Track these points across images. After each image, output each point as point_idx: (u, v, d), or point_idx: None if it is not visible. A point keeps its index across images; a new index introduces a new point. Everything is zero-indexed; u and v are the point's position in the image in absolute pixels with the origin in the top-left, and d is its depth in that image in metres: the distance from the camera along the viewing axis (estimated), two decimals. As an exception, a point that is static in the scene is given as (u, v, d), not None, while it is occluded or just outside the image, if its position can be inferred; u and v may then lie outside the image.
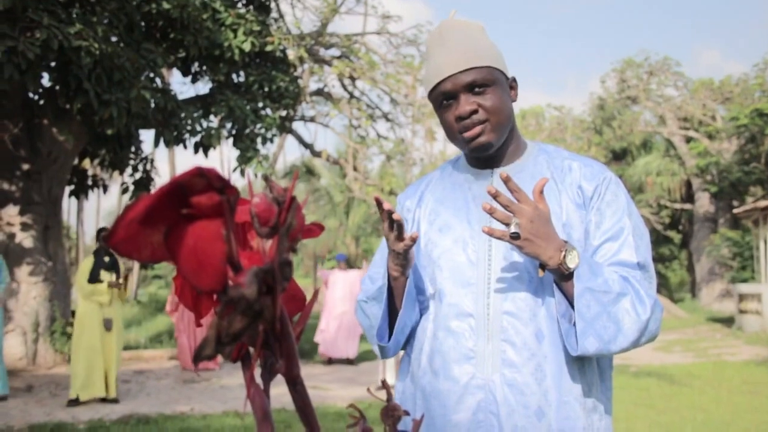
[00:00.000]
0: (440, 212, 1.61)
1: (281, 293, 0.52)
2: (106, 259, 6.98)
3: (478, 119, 1.50)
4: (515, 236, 1.36)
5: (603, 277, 1.40)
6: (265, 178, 0.57)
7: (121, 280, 7.00)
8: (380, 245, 1.69)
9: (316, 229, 0.60)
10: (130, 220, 0.46)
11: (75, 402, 6.84)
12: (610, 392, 1.54)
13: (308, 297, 0.61)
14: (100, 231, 7.23)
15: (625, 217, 1.49)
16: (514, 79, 1.59)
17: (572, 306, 1.41)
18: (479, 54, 1.51)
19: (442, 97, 1.53)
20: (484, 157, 1.59)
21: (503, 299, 1.47)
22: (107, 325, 6.93)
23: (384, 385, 0.68)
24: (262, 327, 0.52)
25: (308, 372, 9.56)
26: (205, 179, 0.48)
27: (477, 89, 1.50)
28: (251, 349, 0.59)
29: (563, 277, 1.40)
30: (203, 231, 0.49)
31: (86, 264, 6.98)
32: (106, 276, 6.93)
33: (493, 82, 1.51)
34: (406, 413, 0.62)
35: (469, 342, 1.47)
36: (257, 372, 0.57)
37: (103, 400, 7.02)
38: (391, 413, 0.64)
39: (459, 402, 1.46)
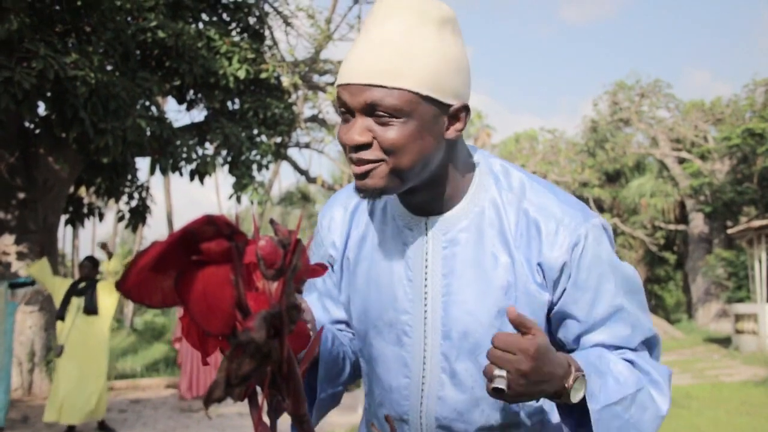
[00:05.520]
0: (377, 261, 1.28)
1: (288, 335, 0.53)
2: (80, 285, 6.98)
3: (369, 158, 1.09)
4: (498, 391, 0.99)
5: (613, 379, 1.11)
6: (271, 222, 0.58)
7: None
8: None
9: (321, 269, 0.62)
10: (141, 266, 0.47)
11: (72, 429, 6.77)
12: None
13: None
14: (84, 261, 7.21)
15: (617, 290, 1.17)
16: (462, 108, 1.13)
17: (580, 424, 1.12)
18: (400, 67, 1.05)
19: (340, 105, 1.12)
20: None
21: (439, 405, 1.22)
22: (57, 350, 6.83)
23: (387, 419, 0.70)
24: (269, 368, 0.53)
25: (305, 399, 9.47)
26: (215, 226, 0.49)
27: (379, 115, 1.07)
28: (258, 388, 0.60)
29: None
30: (212, 276, 0.50)
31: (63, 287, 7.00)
32: (74, 300, 6.89)
33: (407, 113, 1.06)
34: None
35: None
36: (259, 409, 0.58)
37: (101, 428, 6.97)
38: (394, 448, 0.65)
39: None
